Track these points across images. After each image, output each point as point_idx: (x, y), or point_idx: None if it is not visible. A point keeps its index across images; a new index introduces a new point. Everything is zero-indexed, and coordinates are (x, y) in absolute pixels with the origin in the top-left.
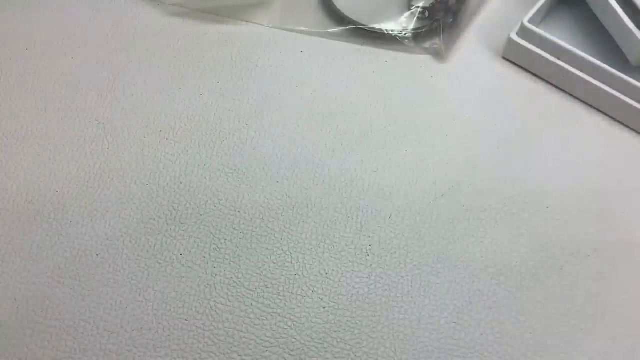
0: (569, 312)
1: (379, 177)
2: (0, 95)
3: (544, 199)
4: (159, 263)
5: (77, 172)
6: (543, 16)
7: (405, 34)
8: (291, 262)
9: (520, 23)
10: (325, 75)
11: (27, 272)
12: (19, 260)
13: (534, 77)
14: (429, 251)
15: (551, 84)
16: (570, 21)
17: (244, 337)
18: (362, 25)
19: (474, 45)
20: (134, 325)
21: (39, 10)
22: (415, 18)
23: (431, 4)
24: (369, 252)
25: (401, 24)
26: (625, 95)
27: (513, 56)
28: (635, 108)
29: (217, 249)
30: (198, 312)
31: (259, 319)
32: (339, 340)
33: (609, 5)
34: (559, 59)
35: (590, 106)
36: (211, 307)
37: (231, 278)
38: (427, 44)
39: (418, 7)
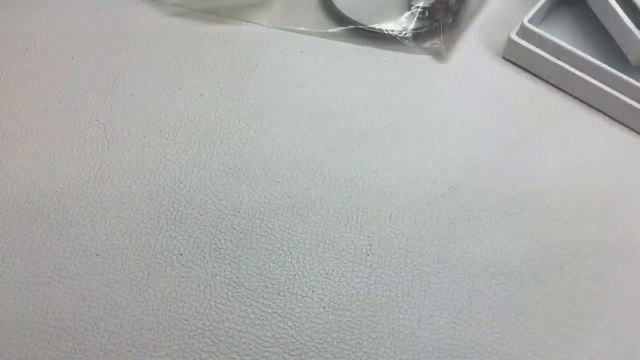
0: (569, 312)
1: (379, 177)
2: (0, 95)
3: (544, 199)
4: (159, 263)
5: (77, 172)
6: (543, 16)
7: (405, 34)
8: (291, 262)
9: (520, 23)
10: (325, 75)
11: (27, 272)
12: (19, 260)
13: (534, 77)
14: (429, 251)
15: (551, 84)
16: (570, 21)
17: (244, 337)
18: (362, 25)
19: (474, 45)
20: (134, 325)
21: (39, 10)
22: (415, 18)
23: (431, 4)
24: (369, 252)
25: (401, 24)
26: (625, 95)
27: (513, 56)
28: (635, 108)
29: (217, 249)
30: (198, 312)
31: (259, 319)
32: (339, 340)
33: (609, 5)
34: (559, 59)
35: (590, 106)
36: (211, 307)
37: (231, 278)
38: (427, 44)
39: (418, 7)
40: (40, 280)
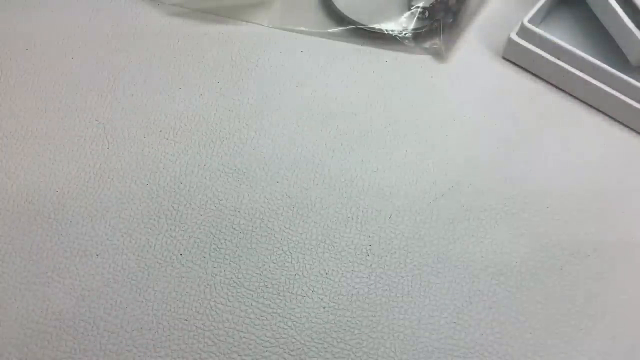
0: (569, 312)
1: (379, 177)
2: (0, 95)
3: (544, 199)
4: (159, 263)
5: (77, 172)
6: (543, 16)
7: (405, 34)
8: (291, 262)
9: (520, 23)
10: (325, 75)
11: (27, 272)
12: (19, 260)
13: (534, 77)
14: (429, 251)
15: (551, 84)
16: (570, 21)
17: (244, 337)
18: (362, 25)
19: (474, 45)
20: (134, 325)
21: (39, 10)
22: (415, 18)
23: (431, 4)
24: (369, 252)
25: (401, 24)
26: (625, 95)
27: (513, 56)
28: (635, 108)
29: (217, 249)
30: (198, 312)
31: (259, 319)
32: (339, 340)
33: (609, 5)
34: (559, 59)
35: (590, 106)
36: (211, 307)
37: (231, 278)
38: (427, 44)
39: (418, 7)
40: (40, 280)
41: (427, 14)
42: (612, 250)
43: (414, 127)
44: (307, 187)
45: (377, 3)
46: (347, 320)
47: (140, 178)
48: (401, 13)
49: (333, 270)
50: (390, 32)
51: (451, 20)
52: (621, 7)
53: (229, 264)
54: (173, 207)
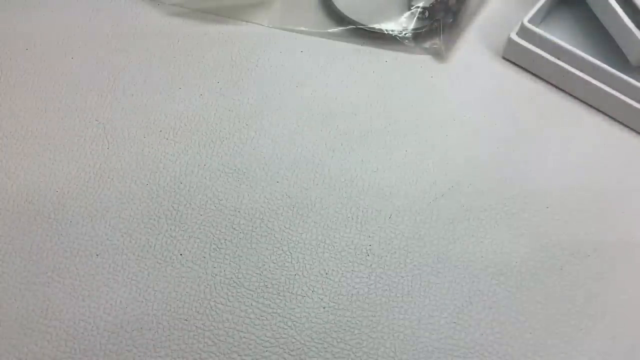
0: (569, 312)
1: (379, 177)
2: (0, 95)
3: (544, 199)
4: (159, 263)
5: (77, 172)
6: (543, 16)
7: (405, 34)
8: (291, 262)
9: (520, 23)
10: (325, 75)
11: (27, 272)
12: (19, 260)
13: (534, 77)
14: (429, 251)
15: (551, 84)
16: (570, 21)
17: (244, 337)
18: (362, 25)
19: (474, 45)
20: (134, 325)
21: (39, 10)
22: (415, 18)
23: (431, 4)
24: (369, 252)
25: (401, 24)
26: (625, 95)
27: (513, 56)
28: (635, 108)
29: (217, 249)
30: (198, 312)
31: (259, 319)
32: (339, 340)
33: (609, 5)
34: (559, 59)
35: (590, 106)
36: (211, 307)
37: (231, 278)
38: (427, 44)
39: (418, 7)
40: (40, 280)
41: (427, 14)
42: (612, 250)
43: (414, 127)
44: (307, 187)
45: (377, 3)
46: (347, 320)
47: (140, 178)
48: (401, 13)
49: (333, 270)
50: (390, 32)
51: (451, 20)
52: (621, 7)
53: (229, 264)
54: (173, 207)
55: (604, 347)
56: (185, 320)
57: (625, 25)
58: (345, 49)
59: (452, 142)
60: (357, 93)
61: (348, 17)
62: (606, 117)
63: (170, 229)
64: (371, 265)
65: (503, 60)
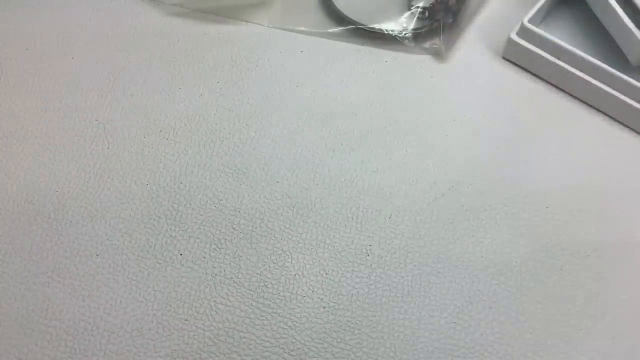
0: (569, 312)
1: (379, 177)
2: (0, 95)
3: (544, 199)
4: (159, 263)
5: (77, 172)
6: (543, 16)
7: (405, 34)
8: (291, 262)
9: (520, 23)
10: (325, 75)
11: (27, 272)
12: (19, 260)
13: (534, 77)
14: (429, 251)
15: (551, 84)
16: (570, 21)
17: (244, 337)
18: (362, 25)
19: (474, 45)
20: (134, 325)
21: (39, 10)
22: (415, 18)
23: (431, 4)
24: (369, 252)
25: (401, 24)
26: (625, 95)
27: (513, 56)
28: (635, 108)
29: (217, 249)
30: (198, 312)
31: (259, 319)
32: (339, 340)
33: (609, 5)
34: (559, 59)
35: (590, 106)
36: (211, 307)
37: (231, 278)
38: (427, 44)
39: (418, 7)
40: (40, 280)
41: (427, 14)
42: (612, 250)
43: (414, 127)
44: (307, 187)
45: (377, 3)
46: (347, 320)
47: (140, 178)
48: (401, 13)
49: (333, 270)
50: (390, 32)
51: (451, 20)
52: (621, 7)
53: (229, 264)
54: (173, 207)
55: (604, 347)
56: (185, 320)
57: (625, 25)
58: (345, 49)
59: (452, 142)
60: (357, 93)
61: (348, 17)
62: (606, 117)
63: (170, 229)
64: (371, 265)
65: (503, 60)
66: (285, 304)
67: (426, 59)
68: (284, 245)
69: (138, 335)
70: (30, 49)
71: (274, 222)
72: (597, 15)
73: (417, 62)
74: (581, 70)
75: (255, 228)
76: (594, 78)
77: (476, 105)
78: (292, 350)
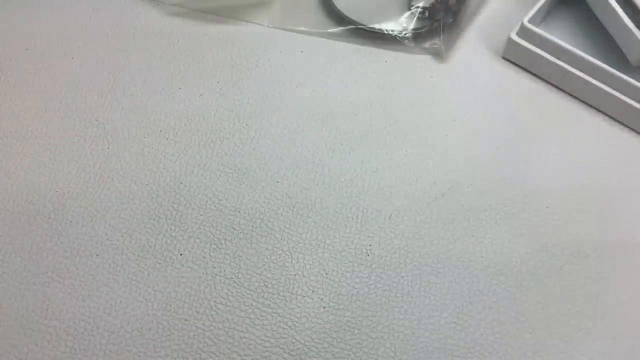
0: (569, 312)
1: (379, 177)
2: (0, 95)
3: (544, 199)
4: (159, 263)
5: (77, 172)
6: (543, 16)
7: (405, 34)
8: (291, 262)
9: (520, 23)
10: (325, 75)
11: (27, 272)
12: (19, 260)
13: (534, 77)
14: (429, 251)
15: (551, 84)
16: (570, 21)
17: (244, 337)
18: (362, 25)
19: (474, 45)
20: (134, 325)
21: (39, 10)
22: (415, 18)
23: (431, 4)
24: (369, 252)
25: (401, 24)
26: (625, 95)
27: (513, 56)
28: (635, 108)
29: (217, 249)
30: (198, 312)
31: (259, 319)
32: (339, 340)
33: (609, 5)
34: (559, 59)
35: (590, 106)
36: (211, 307)
37: (231, 278)
38: (427, 44)
39: (418, 7)
40: (40, 280)
41: (427, 14)
42: (612, 250)
43: (414, 127)
44: (307, 187)
45: (377, 3)
46: (347, 320)
47: (140, 178)
48: (401, 13)
49: (333, 270)
50: (390, 32)
51: (451, 20)
52: (621, 7)
53: (229, 264)
54: (173, 207)
55: (604, 347)
56: (185, 320)
57: (625, 25)
58: (345, 49)
59: (452, 142)
60: (357, 93)
61: (348, 17)
62: (606, 117)
63: (170, 229)
64: (371, 265)
65: (503, 60)
66: (285, 304)
67: (426, 59)
68: (284, 245)
69: (138, 335)
70: (30, 49)
71: (274, 222)
72: (597, 15)
73: (417, 62)
74: (581, 70)
75: (255, 228)
76: (594, 78)
77: (476, 105)
78: (292, 350)
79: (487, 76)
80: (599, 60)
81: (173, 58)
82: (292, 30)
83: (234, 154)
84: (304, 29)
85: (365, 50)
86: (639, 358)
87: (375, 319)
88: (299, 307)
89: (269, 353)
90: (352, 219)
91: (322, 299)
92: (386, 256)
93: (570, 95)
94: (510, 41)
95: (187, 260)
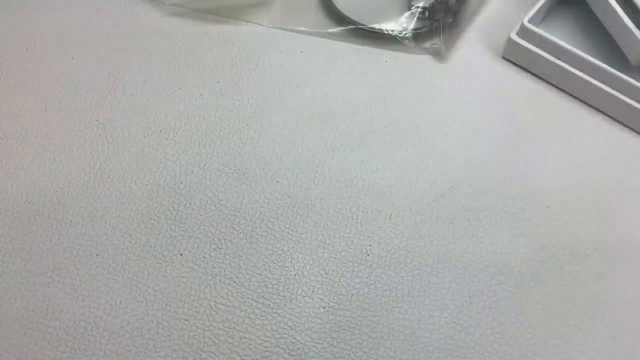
0: (569, 312)
1: (379, 177)
2: (0, 95)
3: (544, 199)
4: (159, 263)
5: (77, 172)
6: (543, 16)
7: (405, 34)
8: (291, 262)
9: (520, 23)
10: (325, 75)
11: (27, 272)
12: (19, 260)
13: (534, 77)
14: (429, 251)
15: (551, 84)
16: (570, 21)
17: (244, 337)
18: (362, 25)
19: (474, 45)
20: (134, 325)
21: (39, 10)
22: (415, 18)
23: (431, 4)
24: (369, 252)
25: (401, 24)
26: (625, 95)
27: (513, 56)
28: (635, 108)
29: (217, 249)
30: (198, 312)
31: (259, 319)
32: (339, 340)
33: (609, 5)
34: (559, 59)
35: (590, 106)
36: (211, 307)
37: (231, 278)
38: (427, 44)
39: (418, 7)
40: (40, 280)
41: (427, 14)
42: (612, 250)
43: (414, 127)
44: (307, 187)
45: (377, 3)
46: (347, 320)
47: (140, 178)
48: (401, 13)
49: (333, 270)
50: (390, 32)
51: (451, 20)
52: (621, 7)
53: (229, 264)
54: (173, 207)
55: (604, 347)
56: (185, 320)
57: (625, 25)
58: (345, 49)
59: (452, 142)
60: (357, 93)
61: (348, 17)
62: (606, 117)
63: (170, 229)
64: (371, 265)
65: (503, 60)
66: (285, 304)
67: (426, 59)
68: (284, 245)
69: (138, 335)
70: (30, 49)
71: (274, 222)
72: (597, 15)
73: (417, 62)
74: (581, 70)
75: (255, 228)
76: (594, 78)
77: (476, 105)
78: (292, 350)
79: (487, 76)
80: (599, 60)
81: (173, 58)
82: (292, 30)
83: (234, 154)
84: (304, 29)
85: (365, 50)
86: (639, 358)
87: (375, 319)
88: (299, 307)
89: (269, 353)
90: (352, 219)
91: (322, 299)
92: (386, 256)
93: (570, 95)
94: (510, 41)
95: (187, 260)
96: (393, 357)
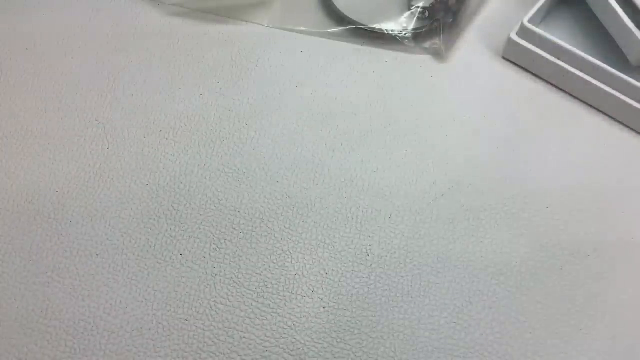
0: (569, 312)
1: (379, 177)
2: (0, 95)
3: (544, 199)
4: (159, 263)
5: (77, 172)
6: (543, 16)
7: (405, 34)
8: (291, 262)
9: (520, 23)
10: (325, 75)
11: (27, 272)
12: (19, 260)
13: (534, 77)
14: (429, 251)
15: (551, 84)
16: (570, 21)
17: (244, 337)
18: (362, 25)
19: (474, 45)
20: (134, 325)
21: (39, 10)
22: (415, 18)
23: (431, 4)
24: (369, 252)
25: (401, 24)
26: (625, 95)
27: (513, 56)
28: (635, 108)
29: (217, 249)
30: (198, 312)
31: (259, 319)
32: (339, 340)
33: (609, 5)
34: (559, 59)
35: (590, 106)
36: (211, 307)
37: (231, 278)
38: (427, 44)
39: (418, 7)
40: (40, 280)
41: (427, 14)
42: (612, 250)
43: (414, 127)
44: (307, 187)
45: (377, 3)
46: (347, 320)
47: (140, 178)
48: (401, 13)
49: (333, 270)
50: (390, 32)
51: (451, 20)
52: (621, 7)
53: (229, 264)
54: (173, 207)
55: (604, 347)
56: (185, 320)
57: (625, 25)
58: (345, 49)
59: (452, 142)
60: (357, 93)
61: (348, 17)
62: (606, 117)
63: (170, 229)
64: (371, 265)
65: (503, 60)
66: (285, 304)
67: (426, 59)
68: (284, 245)
69: (138, 335)
70: (30, 49)
71: (274, 222)
72: (597, 15)
73: (417, 62)
74: (581, 70)
75: (255, 228)
76: (594, 78)
77: (476, 105)
78: (292, 350)
79: (487, 76)
80: (599, 60)
81: (173, 58)
82: (292, 30)
83: (234, 154)
84: (304, 29)
85: (365, 50)
86: (639, 358)
87: (375, 319)
88: (299, 307)
89: (269, 353)
90: (352, 219)
91: (322, 299)
92: (386, 256)
93: (570, 95)
94: (510, 41)
95: (187, 260)
96: (393, 357)
